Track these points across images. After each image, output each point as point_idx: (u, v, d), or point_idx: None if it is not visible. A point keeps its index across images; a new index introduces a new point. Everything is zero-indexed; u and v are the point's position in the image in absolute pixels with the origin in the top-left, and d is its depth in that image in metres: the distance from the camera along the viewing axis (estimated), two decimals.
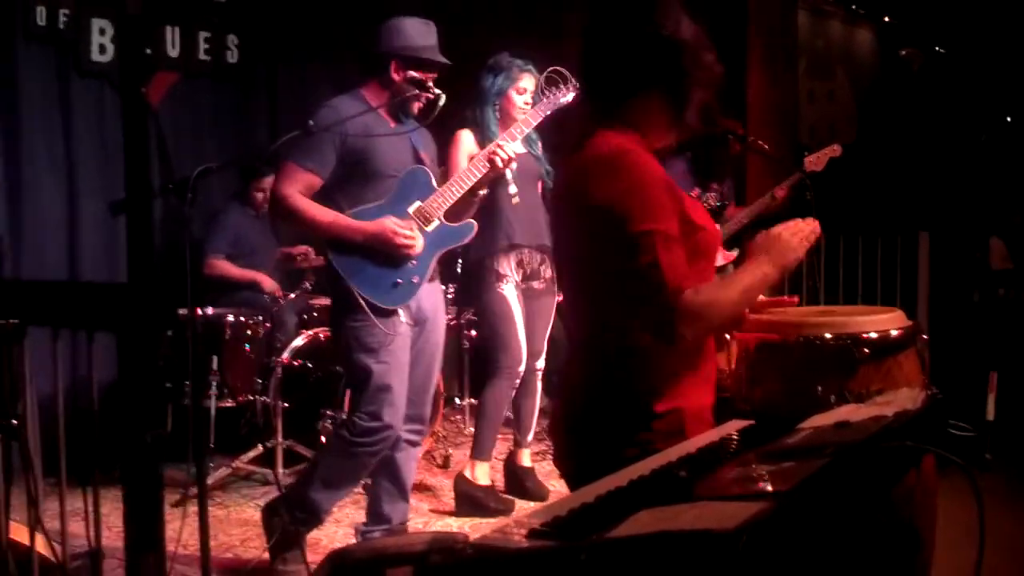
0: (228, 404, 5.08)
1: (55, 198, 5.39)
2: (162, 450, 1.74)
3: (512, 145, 4.04)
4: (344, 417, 3.71)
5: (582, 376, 2.18)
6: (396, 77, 3.67)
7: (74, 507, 2.54)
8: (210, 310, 5.11)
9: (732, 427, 1.94)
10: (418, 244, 3.65)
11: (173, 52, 5.84)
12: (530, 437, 4.88)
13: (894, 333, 2.22)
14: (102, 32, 5.46)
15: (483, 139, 4.50)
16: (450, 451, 5.53)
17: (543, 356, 4.83)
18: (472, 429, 5.41)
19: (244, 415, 5.22)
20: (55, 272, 5.31)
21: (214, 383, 4.99)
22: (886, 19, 7.81)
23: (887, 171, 6.41)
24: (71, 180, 5.42)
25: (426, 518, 4.63)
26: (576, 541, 1.22)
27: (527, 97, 4.57)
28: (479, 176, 3.80)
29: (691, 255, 2.04)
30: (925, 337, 2.33)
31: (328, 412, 4.88)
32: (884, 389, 2.09)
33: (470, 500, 4.64)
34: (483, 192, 3.88)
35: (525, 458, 4.89)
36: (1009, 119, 5.72)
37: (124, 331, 1.81)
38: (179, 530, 3.63)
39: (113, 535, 3.60)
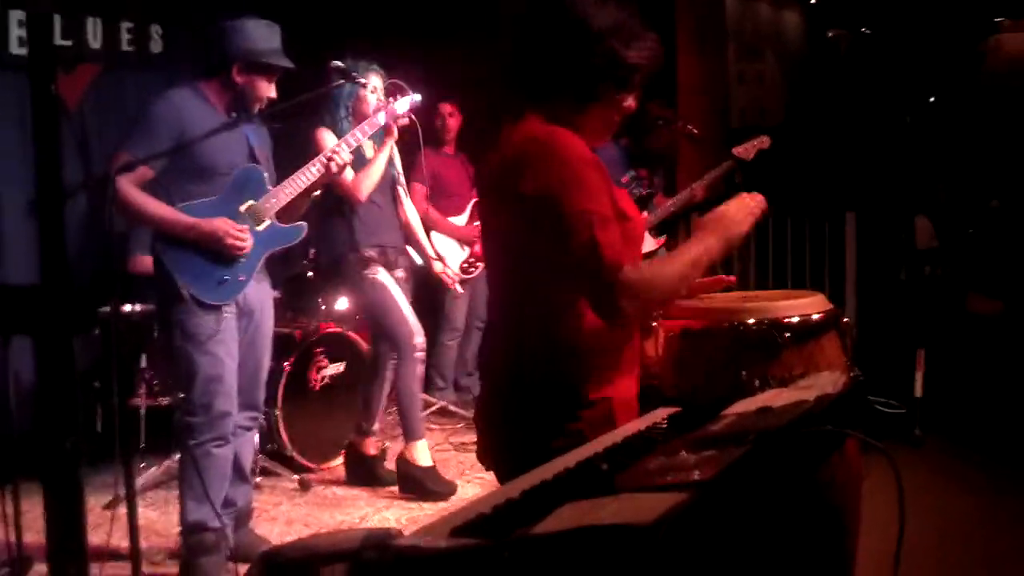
0: (159, 403, 5.00)
1: None
2: (80, 456, 1.70)
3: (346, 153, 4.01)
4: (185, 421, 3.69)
5: (508, 368, 2.18)
6: (238, 79, 3.67)
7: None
8: (138, 307, 5.02)
9: (659, 415, 1.95)
10: (248, 245, 3.66)
11: (95, 44, 5.71)
12: (376, 426, 4.99)
13: (815, 317, 2.25)
14: (20, 24, 5.32)
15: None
16: (387, 444, 5.50)
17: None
18: None
19: (175, 414, 5.15)
20: None
21: (144, 382, 4.92)
22: (813, 1, 7.90)
23: (815, 152, 6.49)
24: None
25: (364, 511, 4.62)
26: (498, 539, 1.22)
27: (379, 95, 4.65)
28: (314, 179, 3.81)
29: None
30: (847, 320, 2.36)
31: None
32: (807, 373, 2.12)
33: (411, 480, 4.73)
34: (316, 193, 3.91)
35: (372, 447, 5.00)
36: (932, 99, 5.81)
37: (40, 334, 1.77)
38: (109, 532, 3.58)
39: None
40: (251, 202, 3.72)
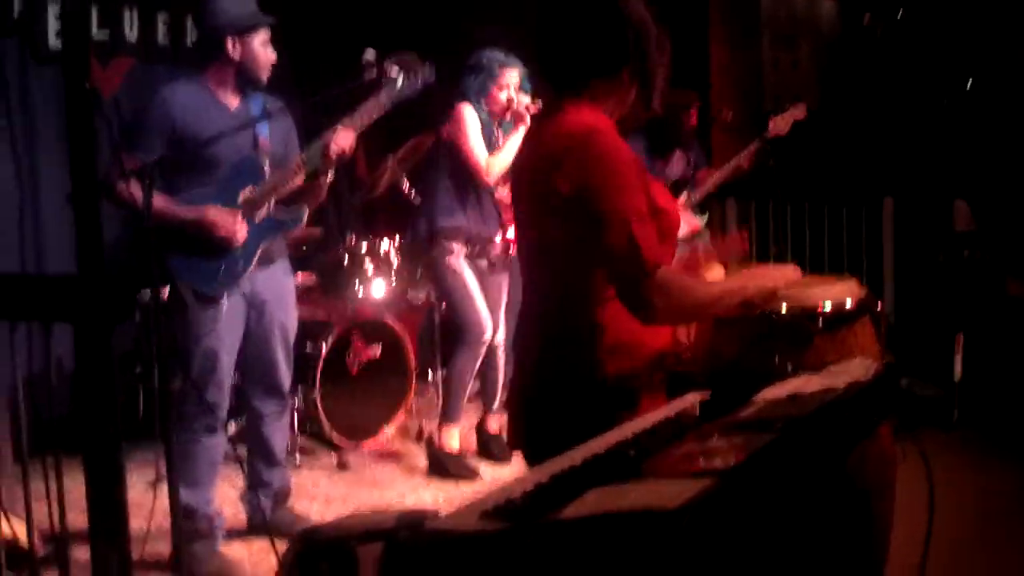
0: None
1: (15, 189, 5.30)
2: (119, 442, 1.74)
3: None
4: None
5: (538, 352, 2.21)
6: (235, 55, 3.67)
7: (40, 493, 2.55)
8: None
9: (688, 400, 1.96)
10: (240, 233, 3.64)
11: (131, 36, 5.74)
12: (495, 405, 5.06)
13: (848, 303, 2.25)
14: (59, 18, 5.36)
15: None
16: (424, 424, 5.56)
17: (502, 330, 4.97)
18: None
19: None
20: (18, 265, 5.23)
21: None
22: None
23: (851, 138, 6.43)
24: (32, 170, 5.33)
25: (401, 491, 4.67)
26: (525, 523, 1.24)
27: (511, 92, 4.69)
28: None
29: (657, 237, 2.07)
30: (881, 305, 2.35)
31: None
32: (840, 359, 2.11)
33: (437, 463, 4.86)
34: (329, 179, 3.86)
35: (492, 423, 5.11)
36: (970, 82, 5.73)
37: (80, 323, 1.81)
38: (151, 510, 3.65)
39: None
40: (249, 191, 3.71)
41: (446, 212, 4.78)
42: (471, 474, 4.82)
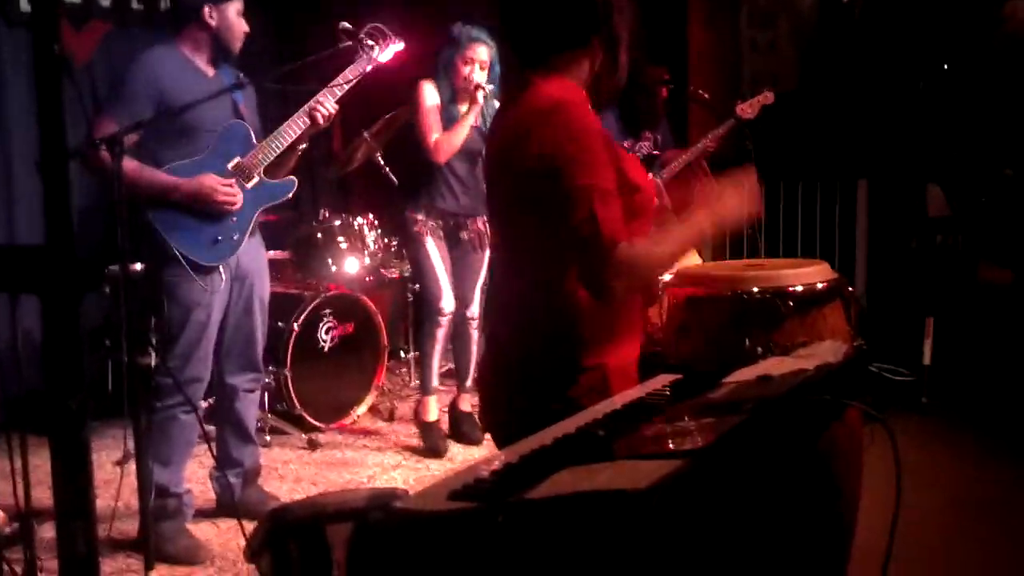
0: None
1: None
2: (86, 415, 1.72)
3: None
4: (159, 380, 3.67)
5: (509, 332, 2.19)
6: (212, 22, 3.64)
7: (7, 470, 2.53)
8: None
9: (660, 381, 1.95)
10: (239, 200, 3.65)
11: (105, 1, 5.69)
12: (468, 383, 5.06)
13: (819, 286, 2.25)
14: None
15: (443, 107, 4.74)
16: (395, 404, 5.55)
17: (475, 305, 4.94)
18: (416, 382, 5.76)
19: None
20: None
21: (154, 340, 4.94)
22: None
23: (827, 119, 6.44)
24: (3, 138, 5.28)
25: (372, 471, 4.66)
26: (494, 503, 1.23)
27: (476, 68, 4.66)
28: (299, 132, 3.75)
29: (628, 215, 2.04)
30: (852, 289, 2.36)
31: (270, 368, 4.85)
32: (810, 341, 2.12)
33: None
34: (303, 147, 3.86)
35: (464, 403, 5.10)
36: (946, 66, 5.76)
37: (47, 294, 1.78)
38: (118, 487, 3.63)
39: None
40: (238, 159, 3.69)
41: (412, 191, 4.86)
42: (437, 449, 4.84)
